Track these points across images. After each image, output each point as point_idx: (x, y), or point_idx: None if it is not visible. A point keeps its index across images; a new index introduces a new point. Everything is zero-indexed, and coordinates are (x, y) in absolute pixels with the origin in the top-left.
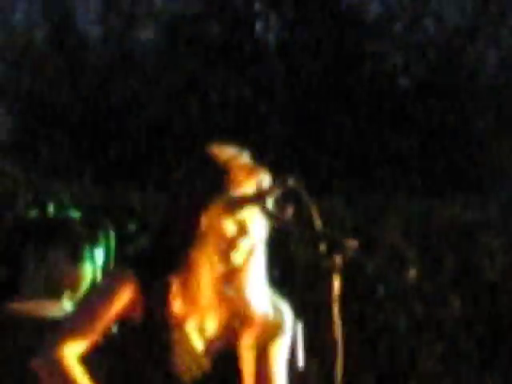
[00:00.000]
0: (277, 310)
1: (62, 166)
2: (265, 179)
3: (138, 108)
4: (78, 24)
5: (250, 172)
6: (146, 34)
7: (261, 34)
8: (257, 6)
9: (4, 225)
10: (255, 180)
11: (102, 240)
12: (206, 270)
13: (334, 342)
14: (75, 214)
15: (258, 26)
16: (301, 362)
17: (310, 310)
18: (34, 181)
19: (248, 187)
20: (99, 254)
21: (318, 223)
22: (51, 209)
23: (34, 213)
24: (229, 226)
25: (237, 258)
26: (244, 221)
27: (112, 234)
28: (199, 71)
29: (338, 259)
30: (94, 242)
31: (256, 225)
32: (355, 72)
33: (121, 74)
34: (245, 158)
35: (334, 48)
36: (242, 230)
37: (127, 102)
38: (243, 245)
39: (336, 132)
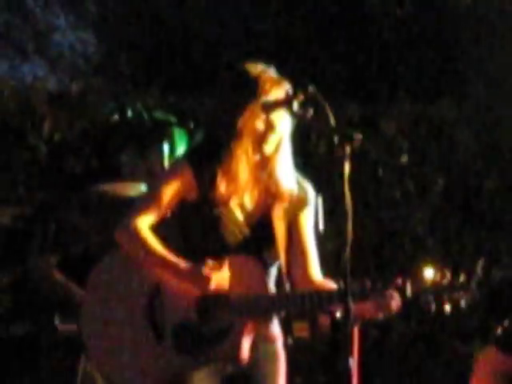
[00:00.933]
0: (301, 187)
1: (139, 80)
2: (287, 88)
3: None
4: None
5: (276, 82)
6: None
7: None
8: None
9: (97, 127)
10: (280, 88)
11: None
12: (243, 159)
13: (346, 211)
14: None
15: None
16: (321, 226)
17: (327, 189)
18: (116, 92)
19: (275, 94)
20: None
21: (331, 121)
22: (129, 113)
23: (115, 117)
24: (260, 124)
25: (267, 149)
26: (272, 120)
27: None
28: None
29: (347, 148)
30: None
31: (282, 123)
32: None
33: None
34: (271, 71)
35: None
36: (271, 127)
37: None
38: (272, 139)
39: (342, 48)
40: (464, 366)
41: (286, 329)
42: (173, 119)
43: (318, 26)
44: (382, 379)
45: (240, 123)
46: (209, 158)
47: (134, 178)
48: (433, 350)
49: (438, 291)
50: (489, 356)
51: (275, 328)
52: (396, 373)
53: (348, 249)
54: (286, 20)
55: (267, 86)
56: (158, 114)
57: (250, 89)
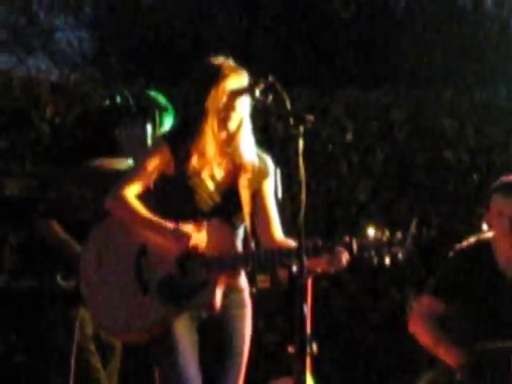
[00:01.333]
0: (262, 160)
1: (127, 72)
2: (244, 74)
3: None
4: None
5: (234, 69)
6: None
7: None
8: None
9: (91, 111)
10: (238, 74)
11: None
12: (211, 136)
13: (300, 181)
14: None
15: None
16: (280, 194)
17: (285, 163)
18: (107, 82)
19: (234, 79)
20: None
21: (288, 105)
22: (118, 100)
23: (106, 103)
24: (222, 105)
25: (231, 126)
26: (233, 101)
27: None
28: None
29: (301, 128)
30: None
31: (242, 105)
32: None
33: None
34: (230, 61)
35: None
36: (232, 107)
37: None
38: (233, 118)
39: (299, 47)
40: (400, 311)
41: (251, 281)
42: (161, 101)
43: (278, 27)
44: (329, 322)
45: (206, 106)
46: (183, 136)
47: (127, 149)
48: (374, 298)
49: (379, 246)
50: (423, 302)
51: (242, 280)
52: (342, 317)
53: (302, 213)
54: (250, 21)
55: (226, 73)
56: (151, 95)
57: (213, 76)
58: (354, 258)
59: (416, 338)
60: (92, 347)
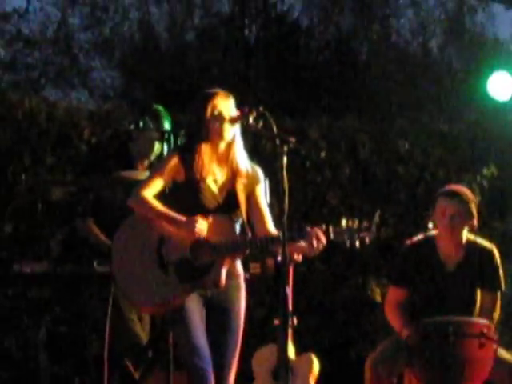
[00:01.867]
0: (253, 169)
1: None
2: (232, 101)
3: None
4: None
5: (225, 97)
6: None
7: None
8: None
9: (120, 133)
10: (228, 101)
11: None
12: (212, 145)
13: (283, 190)
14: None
15: None
16: (268, 198)
17: (272, 175)
18: (132, 110)
19: (224, 104)
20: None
21: (274, 129)
22: (141, 125)
23: (131, 126)
24: (218, 122)
25: (226, 136)
26: (223, 125)
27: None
28: None
29: (285, 148)
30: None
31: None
32: None
33: None
34: (225, 92)
35: None
36: (225, 122)
37: None
38: (226, 128)
39: (283, 83)
40: (363, 292)
41: (245, 268)
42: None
43: (268, 71)
44: (306, 302)
45: (204, 122)
46: (189, 150)
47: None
48: (342, 283)
49: (351, 232)
50: (389, 292)
51: (239, 268)
52: (317, 298)
53: (285, 215)
54: (243, 63)
55: (218, 94)
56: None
57: (208, 97)
58: (330, 242)
59: (388, 320)
60: (133, 316)
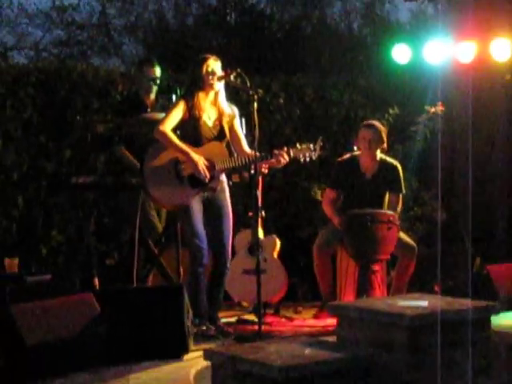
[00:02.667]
0: (232, 110)
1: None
2: (219, 62)
3: None
4: None
5: (215, 59)
6: None
7: None
8: None
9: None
10: (217, 62)
11: None
12: (206, 93)
13: (254, 125)
14: None
15: None
16: (244, 130)
17: (246, 116)
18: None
19: (214, 64)
20: None
21: (248, 84)
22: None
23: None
24: (209, 78)
25: (215, 87)
26: (214, 79)
27: None
28: None
29: (256, 97)
30: None
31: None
32: None
33: None
34: (214, 57)
35: None
36: (213, 79)
37: None
38: (215, 83)
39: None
40: (308, 194)
41: (228, 178)
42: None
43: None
44: (270, 201)
45: (201, 74)
46: (191, 95)
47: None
48: (294, 187)
49: (304, 151)
50: (327, 191)
51: (224, 178)
52: (278, 196)
53: (256, 141)
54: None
55: (210, 60)
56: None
57: (204, 59)
58: (291, 159)
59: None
60: (153, 212)
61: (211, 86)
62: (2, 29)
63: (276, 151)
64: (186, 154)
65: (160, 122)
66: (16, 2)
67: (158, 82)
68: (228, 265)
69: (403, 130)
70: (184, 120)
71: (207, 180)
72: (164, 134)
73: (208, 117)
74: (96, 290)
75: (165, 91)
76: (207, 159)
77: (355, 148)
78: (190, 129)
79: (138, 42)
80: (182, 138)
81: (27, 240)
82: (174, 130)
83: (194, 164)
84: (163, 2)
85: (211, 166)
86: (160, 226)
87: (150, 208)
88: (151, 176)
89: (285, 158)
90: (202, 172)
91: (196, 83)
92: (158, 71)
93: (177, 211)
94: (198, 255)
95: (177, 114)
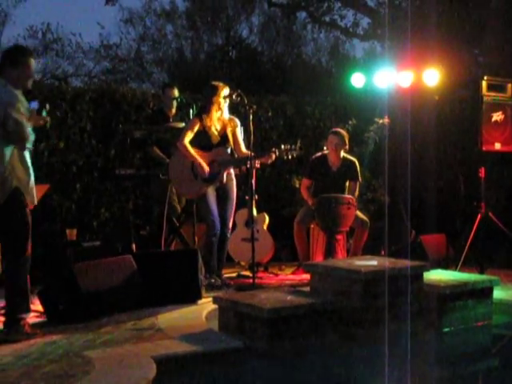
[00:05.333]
0: (234, 120)
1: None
2: (228, 89)
3: None
4: None
5: (223, 87)
6: None
7: None
8: None
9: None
10: (225, 88)
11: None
12: (215, 110)
13: (250, 132)
14: None
15: None
16: (242, 135)
17: (244, 125)
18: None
19: (224, 90)
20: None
21: (245, 101)
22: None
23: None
24: (219, 100)
25: (222, 108)
26: (222, 100)
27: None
28: None
29: (251, 110)
30: None
31: (225, 102)
32: None
33: None
34: (222, 83)
35: None
36: (221, 102)
37: None
38: (223, 105)
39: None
40: (290, 182)
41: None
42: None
43: (240, 71)
44: (262, 188)
45: (212, 100)
46: (204, 113)
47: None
48: (279, 177)
49: (287, 151)
50: (303, 180)
51: (232, 171)
52: (267, 186)
53: (251, 144)
54: (229, 69)
55: (221, 87)
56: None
57: (215, 88)
58: (277, 157)
59: (302, 196)
60: (175, 197)
61: (219, 107)
62: (64, 61)
63: (267, 152)
64: (195, 159)
65: (181, 136)
66: (74, 41)
67: (178, 100)
68: (229, 235)
69: (359, 135)
70: (198, 131)
71: (207, 175)
72: (184, 146)
73: (215, 128)
74: (134, 252)
75: (183, 107)
76: (214, 160)
77: (325, 148)
78: (203, 138)
79: (164, 72)
80: (196, 145)
81: (83, 216)
82: (191, 140)
83: (200, 166)
84: (183, 42)
85: (217, 165)
86: (179, 207)
87: (172, 194)
88: (173, 174)
89: (272, 157)
90: (204, 171)
91: (210, 105)
92: (176, 92)
93: (193, 199)
94: (211, 228)
95: (192, 129)
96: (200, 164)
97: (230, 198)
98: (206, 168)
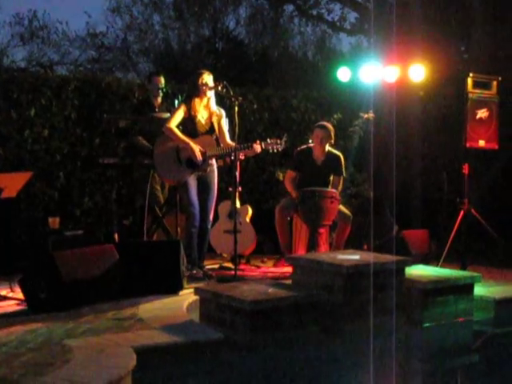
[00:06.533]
0: (220, 111)
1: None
2: (211, 77)
3: None
4: None
5: (208, 74)
6: None
7: None
8: None
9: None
10: (209, 75)
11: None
12: (200, 99)
13: (235, 124)
14: None
15: None
16: (227, 127)
17: (229, 117)
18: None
19: (207, 78)
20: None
21: (231, 92)
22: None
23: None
24: (203, 88)
25: (208, 95)
26: (207, 88)
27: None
28: None
29: (236, 102)
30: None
31: (210, 91)
32: None
33: None
34: (208, 72)
35: None
36: (207, 89)
37: None
38: (207, 92)
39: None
40: (274, 175)
41: (217, 161)
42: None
43: (226, 62)
44: (245, 180)
45: (196, 85)
46: (189, 100)
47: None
48: (263, 171)
49: (272, 144)
50: (287, 173)
51: (214, 162)
52: (250, 178)
53: (236, 136)
54: (215, 61)
55: (204, 75)
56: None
57: (200, 73)
58: (262, 149)
59: (285, 187)
60: (158, 186)
61: (205, 94)
62: (50, 49)
63: (252, 144)
64: (187, 143)
65: (167, 120)
66: (60, 29)
67: (164, 89)
68: (209, 226)
69: (344, 130)
70: (184, 118)
71: (200, 162)
72: (171, 130)
73: (202, 116)
74: (116, 242)
75: (169, 97)
76: (201, 148)
77: (310, 141)
78: (189, 125)
79: (150, 62)
80: (182, 131)
81: (66, 204)
82: (177, 126)
83: (193, 151)
84: (169, 32)
85: (203, 153)
86: (162, 197)
87: (155, 183)
88: (158, 159)
89: (257, 150)
90: (197, 156)
91: (193, 91)
92: (162, 81)
93: (177, 186)
94: (191, 219)
95: (179, 114)
96: (190, 146)
97: (211, 188)
98: (197, 151)
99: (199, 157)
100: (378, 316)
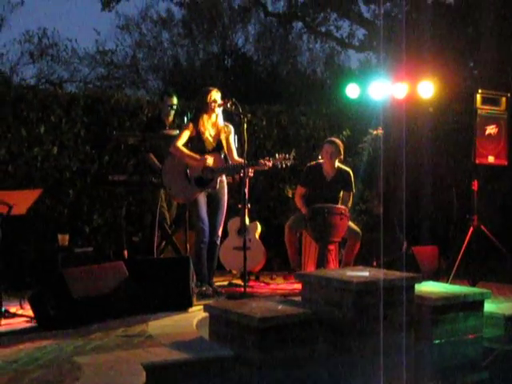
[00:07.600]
0: (228, 127)
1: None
2: (220, 94)
3: None
4: None
5: (216, 92)
6: None
7: None
8: None
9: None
10: (217, 93)
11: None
12: (209, 116)
13: (244, 140)
14: None
15: None
16: (236, 143)
17: (238, 133)
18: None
19: (215, 95)
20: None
21: (240, 109)
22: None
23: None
24: (211, 105)
25: (216, 112)
26: (215, 106)
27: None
28: None
29: (245, 119)
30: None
31: (218, 108)
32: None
33: None
34: (216, 89)
35: None
36: (214, 106)
37: None
38: (216, 109)
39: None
40: (284, 192)
41: (227, 177)
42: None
43: (235, 80)
44: (254, 197)
45: (204, 103)
46: (197, 118)
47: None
48: (271, 187)
49: (281, 160)
50: (298, 188)
51: (224, 178)
52: (259, 194)
53: (245, 152)
54: (224, 78)
55: (213, 92)
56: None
57: (207, 91)
58: (272, 165)
59: (295, 203)
60: (164, 204)
61: (213, 110)
62: (60, 66)
63: (261, 160)
64: (195, 158)
65: (174, 140)
66: (70, 47)
67: (175, 108)
68: (218, 242)
69: (353, 146)
70: (192, 136)
71: (204, 163)
72: (178, 149)
73: (209, 134)
74: (125, 259)
75: (178, 113)
76: (208, 166)
77: (320, 157)
78: (196, 142)
79: (159, 79)
80: (190, 149)
81: (75, 221)
82: (185, 145)
83: (202, 161)
84: (178, 49)
85: (211, 170)
86: (168, 215)
87: (162, 201)
88: (167, 178)
89: (267, 165)
90: (201, 162)
91: (202, 108)
92: (175, 100)
93: (186, 203)
94: (201, 234)
95: (186, 133)
96: (199, 159)
97: (220, 205)
98: (203, 160)
99: (203, 162)
100: (388, 333)
